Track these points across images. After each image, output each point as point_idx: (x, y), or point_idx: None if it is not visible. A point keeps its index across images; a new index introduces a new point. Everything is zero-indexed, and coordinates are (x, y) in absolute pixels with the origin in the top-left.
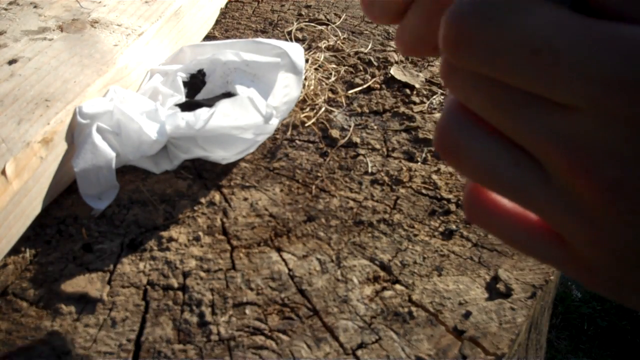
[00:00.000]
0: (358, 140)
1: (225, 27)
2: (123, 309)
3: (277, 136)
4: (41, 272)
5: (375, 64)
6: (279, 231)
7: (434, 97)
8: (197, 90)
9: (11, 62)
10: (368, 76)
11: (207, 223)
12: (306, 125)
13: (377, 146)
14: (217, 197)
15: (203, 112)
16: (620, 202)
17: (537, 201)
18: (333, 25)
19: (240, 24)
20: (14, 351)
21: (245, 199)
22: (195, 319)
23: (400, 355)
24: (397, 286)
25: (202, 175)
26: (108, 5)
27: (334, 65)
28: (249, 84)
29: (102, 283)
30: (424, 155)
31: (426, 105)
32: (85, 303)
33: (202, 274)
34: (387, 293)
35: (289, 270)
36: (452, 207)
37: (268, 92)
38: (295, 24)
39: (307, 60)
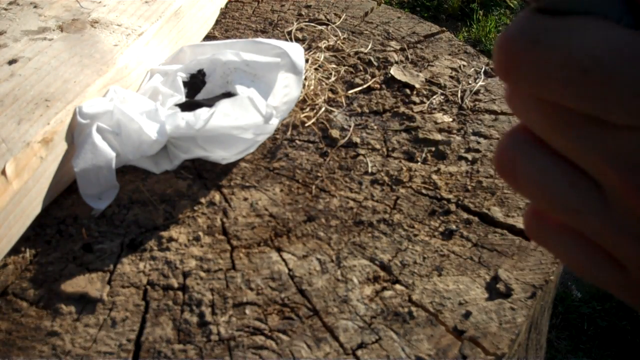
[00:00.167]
0: (358, 140)
1: (225, 27)
2: (123, 309)
3: (277, 136)
4: (41, 272)
5: (375, 64)
6: (279, 231)
7: (434, 97)
8: (197, 90)
9: (11, 62)
10: (368, 76)
11: (207, 223)
12: (306, 125)
13: (377, 146)
14: (217, 197)
15: (203, 112)
16: None
17: (593, 223)
18: (333, 25)
19: (240, 24)
20: (14, 351)
21: (245, 199)
22: (195, 319)
23: (400, 355)
24: (397, 286)
25: (202, 175)
26: (108, 5)
27: (334, 65)
28: (249, 84)
29: (102, 283)
30: (424, 155)
31: (426, 105)
32: (85, 303)
33: (202, 274)
34: (387, 293)
35: (289, 270)
36: (452, 207)
37: (268, 92)
38: (295, 24)
39: (307, 60)
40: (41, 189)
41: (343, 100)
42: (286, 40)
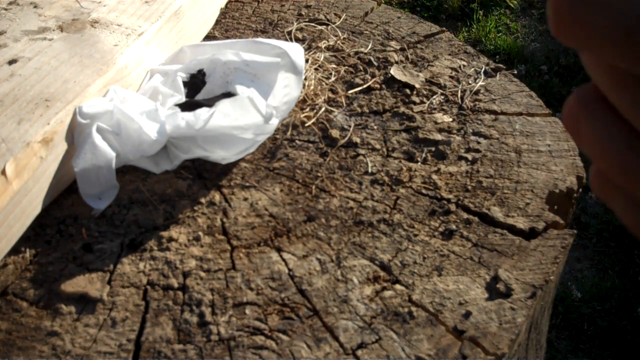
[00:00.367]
0: (358, 140)
1: (225, 27)
2: (123, 309)
3: (277, 136)
4: (41, 272)
5: (375, 64)
6: (279, 231)
7: (434, 97)
8: (197, 90)
9: (11, 62)
10: (368, 76)
11: (207, 223)
12: (306, 125)
13: (377, 146)
14: (217, 197)
15: (203, 112)
16: None
17: None
18: (333, 25)
19: (240, 24)
20: (14, 351)
21: (245, 199)
22: (195, 319)
23: (400, 355)
24: (397, 286)
25: (202, 175)
26: (108, 5)
27: (334, 65)
28: (249, 84)
29: (102, 283)
30: (424, 155)
31: (426, 105)
32: (85, 303)
33: (202, 274)
34: (387, 293)
35: (289, 270)
36: (452, 207)
37: (268, 92)
38: (295, 24)
39: (307, 60)
40: (41, 189)
41: (343, 100)
42: (286, 40)
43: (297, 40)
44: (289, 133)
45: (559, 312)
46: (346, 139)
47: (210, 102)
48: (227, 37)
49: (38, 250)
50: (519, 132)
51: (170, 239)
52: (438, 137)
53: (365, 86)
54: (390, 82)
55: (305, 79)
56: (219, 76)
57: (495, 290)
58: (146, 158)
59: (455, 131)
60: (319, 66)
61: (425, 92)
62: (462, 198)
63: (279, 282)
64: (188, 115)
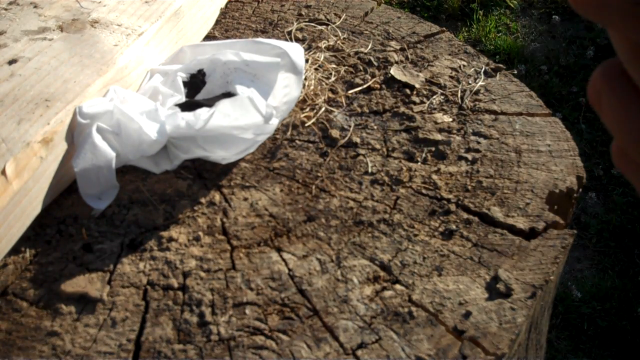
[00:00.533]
0: (358, 140)
1: (225, 27)
2: (123, 309)
3: (277, 136)
4: (41, 272)
5: (375, 64)
6: (279, 231)
7: (434, 97)
8: (197, 90)
9: (11, 62)
10: (368, 76)
11: (207, 223)
12: (306, 125)
13: (377, 146)
14: (217, 197)
15: (203, 112)
16: None
17: None
18: (333, 25)
19: (240, 24)
20: (14, 351)
21: (245, 199)
22: (195, 319)
23: (400, 355)
24: (397, 286)
25: (202, 175)
26: (108, 5)
27: (334, 65)
28: (249, 84)
29: (102, 283)
30: (424, 155)
31: (426, 105)
32: (85, 303)
33: (202, 274)
34: (387, 293)
35: (289, 270)
36: (452, 207)
37: (268, 92)
38: (295, 24)
39: (307, 60)
40: (41, 189)
41: (343, 100)
42: (286, 40)
43: (297, 40)
44: (289, 133)
45: (559, 312)
46: (346, 139)
47: (210, 102)
48: (227, 37)
49: (38, 250)
50: (519, 132)
51: (170, 239)
52: (438, 137)
53: (365, 86)
54: (390, 82)
55: (305, 79)
56: (219, 76)
57: (495, 290)
58: (146, 158)
59: (455, 131)
60: (319, 66)
61: (425, 92)
62: (462, 198)
63: (279, 282)
64: (188, 115)
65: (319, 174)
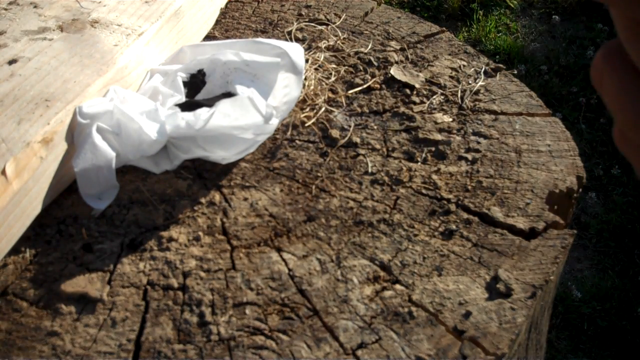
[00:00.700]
0: (358, 140)
1: (225, 27)
2: (123, 309)
3: (277, 136)
4: (41, 272)
5: (375, 64)
6: (279, 231)
7: (434, 97)
8: (197, 90)
9: (11, 62)
10: (368, 76)
11: (207, 223)
12: (306, 125)
13: (377, 146)
14: (217, 197)
15: (203, 112)
16: None
17: None
18: (333, 25)
19: (240, 24)
20: (14, 351)
21: (245, 199)
22: (195, 319)
23: (400, 355)
24: (397, 286)
25: (202, 175)
26: (108, 5)
27: (334, 65)
28: (249, 84)
29: (102, 283)
30: (424, 155)
31: (426, 105)
32: (85, 303)
33: (202, 274)
34: (387, 293)
35: (289, 270)
36: (452, 207)
37: (268, 92)
38: (295, 24)
39: (307, 60)
40: (41, 189)
41: (343, 100)
42: (286, 40)
43: (297, 40)
44: (289, 133)
45: (559, 312)
46: (346, 139)
47: (210, 102)
48: (227, 37)
49: (38, 250)
50: (519, 132)
51: (170, 239)
52: (438, 137)
53: (365, 86)
54: (390, 82)
55: (305, 79)
56: (219, 76)
57: (495, 290)
58: (146, 158)
59: (455, 131)
60: (319, 66)
61: (425, 92)
62: (462, 198)
63: (279, 282)
64: (188, 115)
65: (319, 174)
